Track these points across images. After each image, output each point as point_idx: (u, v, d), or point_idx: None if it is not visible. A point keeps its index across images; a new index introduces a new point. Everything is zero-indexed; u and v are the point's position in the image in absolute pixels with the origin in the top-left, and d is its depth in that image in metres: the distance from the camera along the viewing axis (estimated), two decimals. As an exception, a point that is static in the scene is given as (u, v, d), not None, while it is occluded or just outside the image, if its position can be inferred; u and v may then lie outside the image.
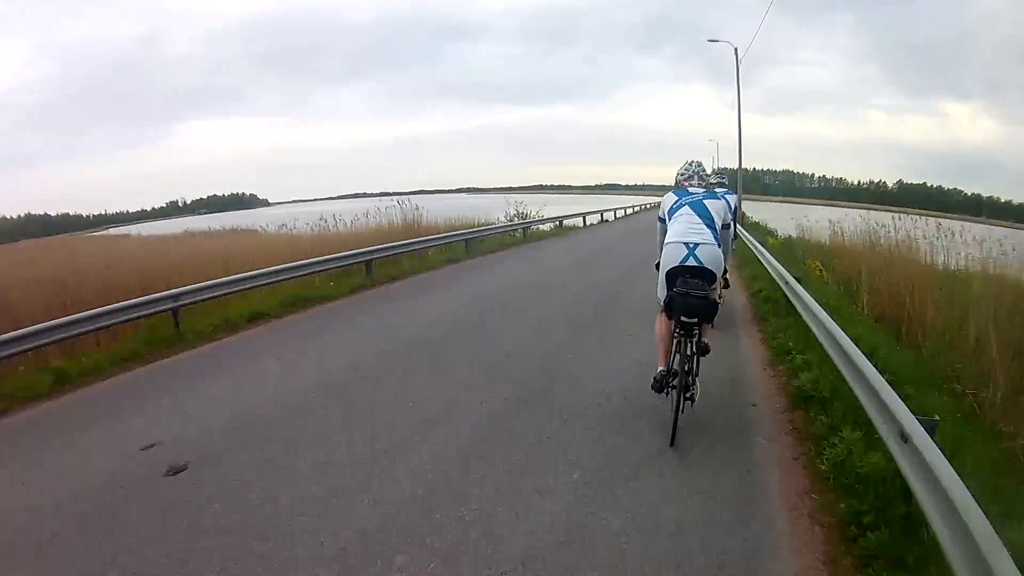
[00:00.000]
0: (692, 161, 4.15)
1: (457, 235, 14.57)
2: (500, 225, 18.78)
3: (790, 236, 16.51)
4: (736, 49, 22.66)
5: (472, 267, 12.37)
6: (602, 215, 29.41)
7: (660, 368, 3.68)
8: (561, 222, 23.46)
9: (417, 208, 15.98)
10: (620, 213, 33.26)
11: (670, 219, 3.80)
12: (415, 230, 14.95)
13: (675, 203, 3.84)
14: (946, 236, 8.63)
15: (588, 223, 26.38)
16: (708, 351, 3.83)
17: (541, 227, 21.76)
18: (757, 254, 10.19)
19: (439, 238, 13.86)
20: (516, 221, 20.76)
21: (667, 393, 3.69)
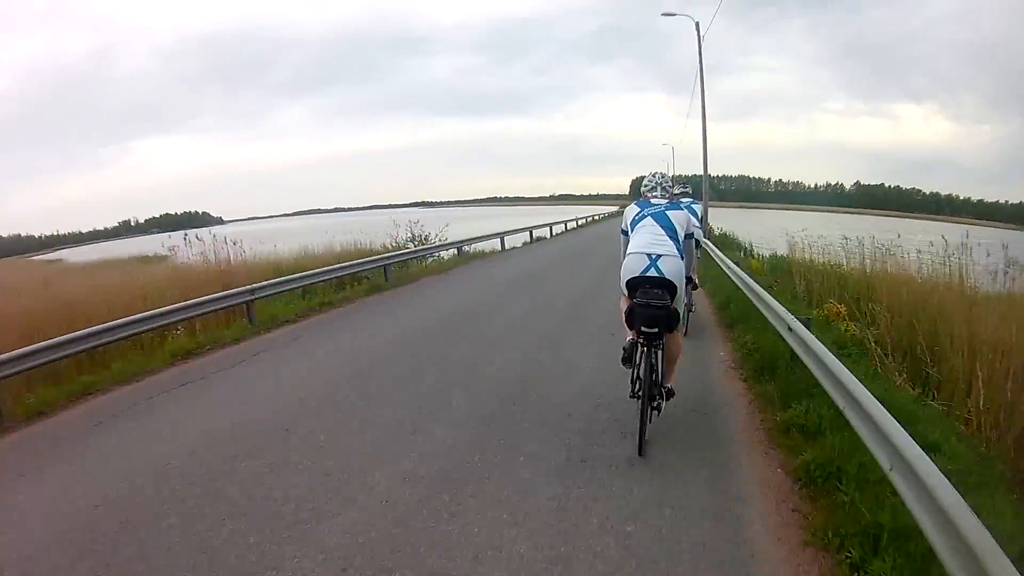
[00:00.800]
0: (655, 172, 4.10)
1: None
2: (371, 259, 11.98)
3: (775, 254, 14.08)
4: (697, 24, 20.39)
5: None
6: (551, 229, 26.13)
7: (627, 339, 3.70)
8: (459, 249, 16.61)
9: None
10: (571, 225, 30.78)
11: (632, 230, 3.78)
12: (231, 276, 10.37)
13: (637, 214, 3.82)
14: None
15: (512, 244, 20.33)
16: (673, 394, 3.78)
17: (443, 254, 16.42)
18: (740, 284, 7.28)
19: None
20: (408, 248, 15.54)
21: (632, 394, 3.67)
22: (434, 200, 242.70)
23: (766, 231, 20.43)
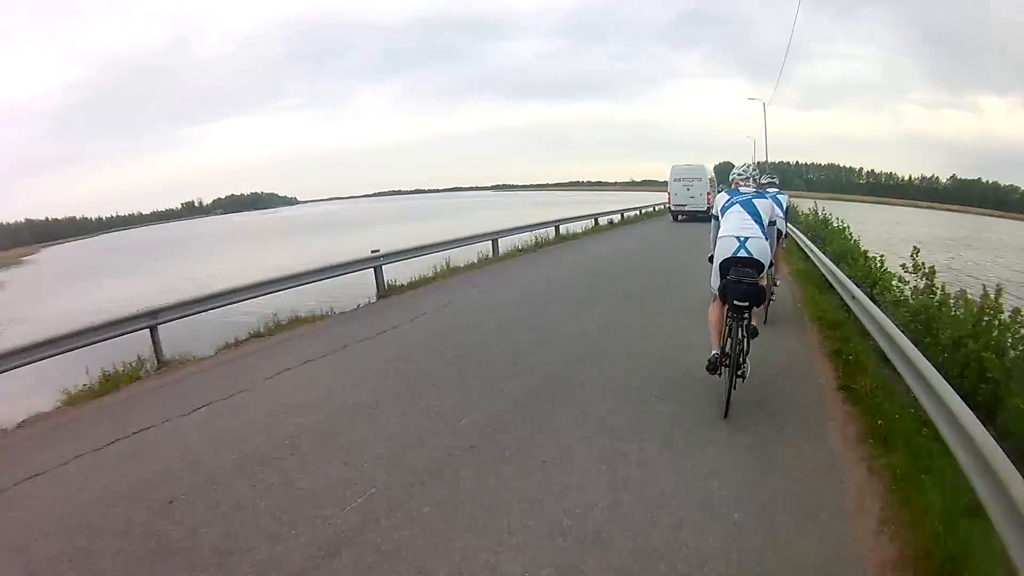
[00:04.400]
0: (746, 164, 4.69)
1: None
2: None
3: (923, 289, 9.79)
4: (764, 104, 27.59)
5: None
6: (622, 215, 24.23)
7: (714, 352, 4.06)
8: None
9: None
10: (638, 211, 28.95)
11: (722, 215, 4.23)
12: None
13: (727, 201, 4.27)
14: None
15: (573, 231, 18.61)
16: (757, 334, 4.22)
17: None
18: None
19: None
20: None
21: (720, 374, 4.04)
22: (514, 183, 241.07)
23: (872, 232, 19.22)
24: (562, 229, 17.53)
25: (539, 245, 15.33)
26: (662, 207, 25.07)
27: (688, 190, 21.28)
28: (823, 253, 9.45)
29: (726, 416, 3.90)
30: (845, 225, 13.23)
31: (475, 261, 12.26)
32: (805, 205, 21.11)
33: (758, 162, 31.34)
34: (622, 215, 24.23)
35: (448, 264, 11.34)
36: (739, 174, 4.58)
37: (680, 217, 21.70)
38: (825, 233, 13.62)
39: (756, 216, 4.09)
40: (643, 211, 27.43)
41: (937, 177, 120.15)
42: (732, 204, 4.21)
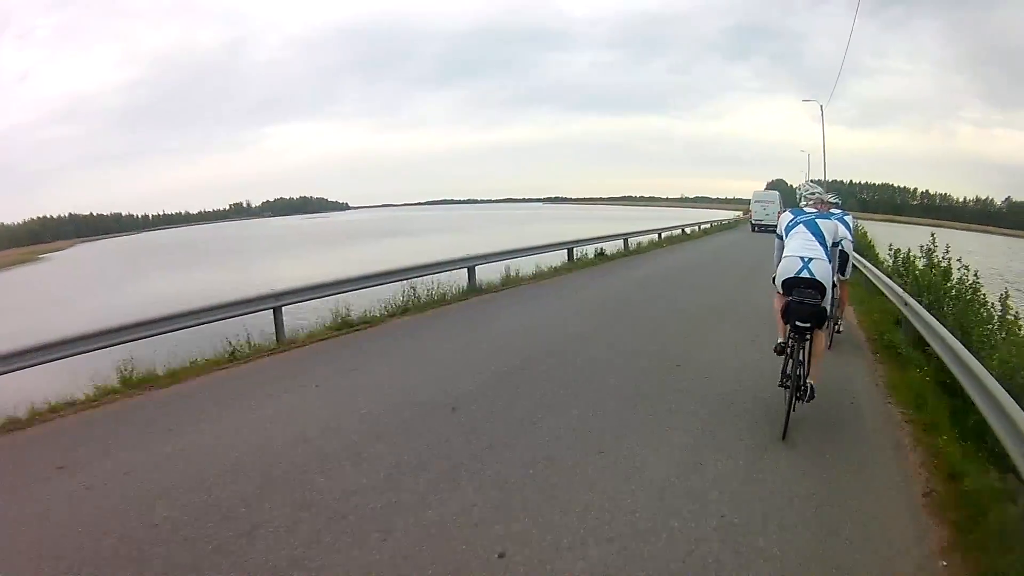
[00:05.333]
0: (811, 182, 4.95)
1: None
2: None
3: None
4: (822, 106, 29.83)
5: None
6: (659, 234, 22.97)
7: (779, 340, 4.11)
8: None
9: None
10: (691, 228, 29.56)
11: (787, 235, 4.26)
12: None
13: (791, 221, 4.32)
14: None
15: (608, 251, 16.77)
16: (813, 396, 3.97)
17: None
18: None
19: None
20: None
21: (784, 383, 4.03)
22: (568, 196, 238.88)
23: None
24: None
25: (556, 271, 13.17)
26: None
27: (764, 210, 31.39)
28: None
29: (784, 438, 3.86)
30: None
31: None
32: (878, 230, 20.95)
33: (818, 180, 32.14)
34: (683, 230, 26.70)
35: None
36: (804, 194, 4.70)
37: (757, 228, 30.73)
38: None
39: (820, 237, 4.12)
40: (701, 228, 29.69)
41: (992, 199, 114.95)
42: (796, 224, 4.25)
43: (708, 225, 33.37)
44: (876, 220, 54.57)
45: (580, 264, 14.24)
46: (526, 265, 12.46)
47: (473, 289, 10.11)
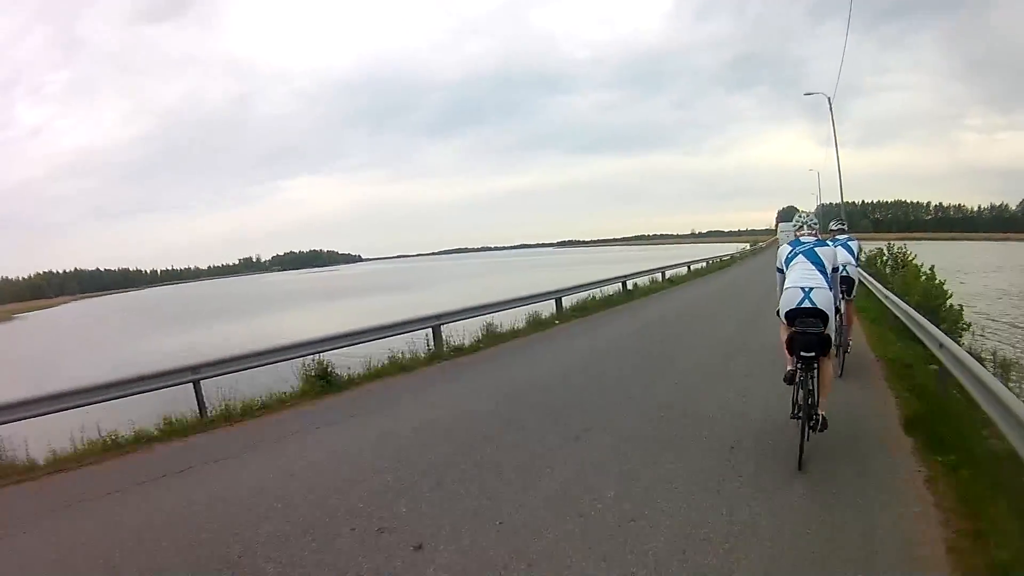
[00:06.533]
0: (804, 212, 4.69)
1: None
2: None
3: None
4: (829, 98, 24.90)
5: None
6: (663, 273, 21.23)
7: (788, 368, 4.15)
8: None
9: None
10: (686, 268, 26.41)
11: (787, 267, 4.34)
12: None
13: (790, 252, 4.38)
14: None
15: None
16: (826, 425, 3.99)
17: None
18: None
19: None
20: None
21: (795, 415, 4.05)
22: (580, 239, 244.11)
23: (973, 285, 16.63)
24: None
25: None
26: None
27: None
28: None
29: (800, 467, 3.85)
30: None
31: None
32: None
33: (829, 203, 31.41)
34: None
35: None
36: (796, 224, 4.63)
37: None
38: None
39: (820, 265, 4.19)
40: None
41: (1006, 204, 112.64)
42: (796, 255, 4.31)
43: (705, 264, 28.64)
44: (888, 239, 51.87)
45: (565, 316, 12.59)
46: (510, 318, 11.32)
47: (439, 353, 8.97)
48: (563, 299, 13.26)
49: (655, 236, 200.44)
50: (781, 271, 4.43)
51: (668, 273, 21.70)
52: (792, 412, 4.09)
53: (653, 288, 18.81)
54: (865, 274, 10.54)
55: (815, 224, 4.58)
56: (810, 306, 4.00)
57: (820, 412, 3.96)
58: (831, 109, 24.58)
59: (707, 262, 29.25)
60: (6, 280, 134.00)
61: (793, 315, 4.07)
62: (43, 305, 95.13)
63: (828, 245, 4.47)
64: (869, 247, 18.77)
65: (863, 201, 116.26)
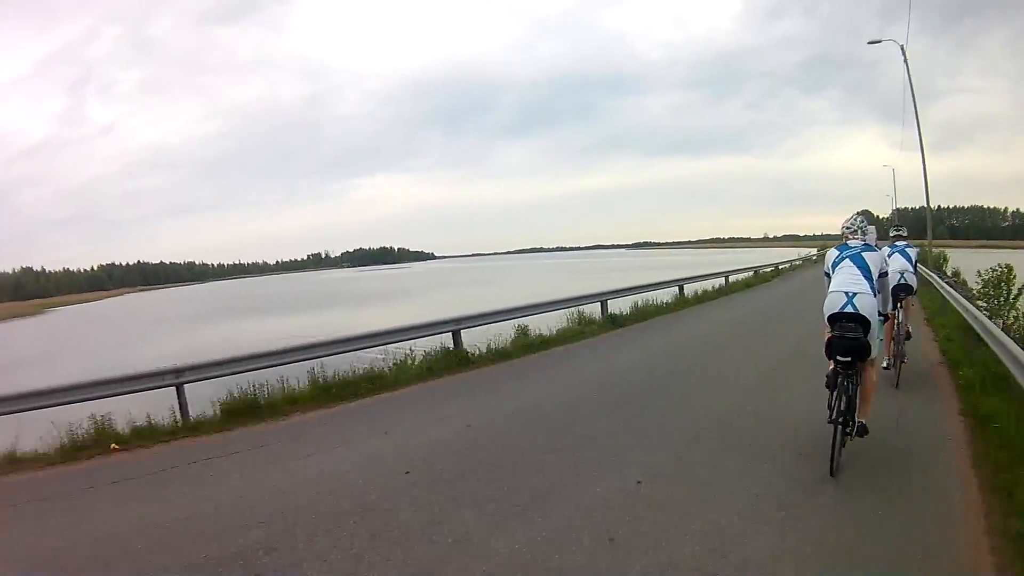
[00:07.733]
0: (855, 216, 4.56)
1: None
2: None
3: None
4: (903, 46, 20.24)
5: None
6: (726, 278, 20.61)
7: (828, 372, 4.11)
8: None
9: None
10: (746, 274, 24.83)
11: (833, 271, 4.29)
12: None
13: (837, 257, 4.35)
14: None
15: None
16: (866, 431, 4.09)
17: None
18: None
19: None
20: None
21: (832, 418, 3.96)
22: (656, 241, 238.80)
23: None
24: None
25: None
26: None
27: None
28: None
29: (832, 473, 3.84)
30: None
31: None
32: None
33: (906, 207, 29.86)
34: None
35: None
36: (848, 228, 4.53)
37: None
38: None
39: (865, 270, 4.15)
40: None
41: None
42: (842, 259, 4.28)
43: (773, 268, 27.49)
44: (966, 248, 45.16)
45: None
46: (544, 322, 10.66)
47: (460, 358, 8.28)
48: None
49: (729, 239, 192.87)
50: (828, 275, 4.39)
51: (731, 278, 20.54)
52: (829, 416, 3.98)
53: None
54: (968, 304, 8.31)
55: (867, 229, 4.48)
56: (852, 311, 3.98)
57: (861, 419, 4.02)
58: (913, 97, 20.40)
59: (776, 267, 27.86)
60: (67, 272, 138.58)
61: (835, 319, 4.06)
62: (94, 298, 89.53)
63: (875, 250, 4.38)
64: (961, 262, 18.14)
65: (939, 206, 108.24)
